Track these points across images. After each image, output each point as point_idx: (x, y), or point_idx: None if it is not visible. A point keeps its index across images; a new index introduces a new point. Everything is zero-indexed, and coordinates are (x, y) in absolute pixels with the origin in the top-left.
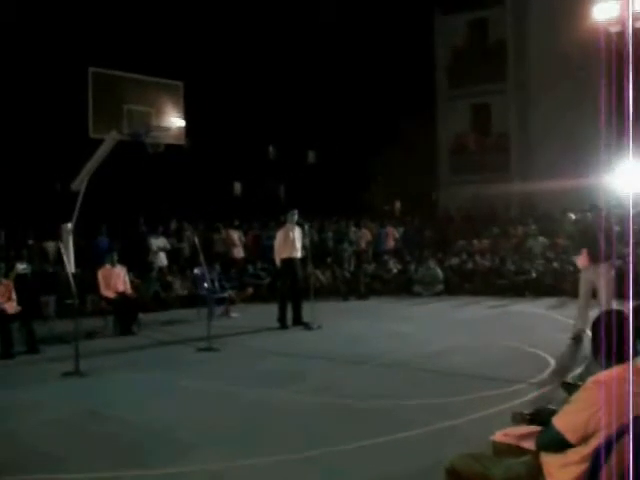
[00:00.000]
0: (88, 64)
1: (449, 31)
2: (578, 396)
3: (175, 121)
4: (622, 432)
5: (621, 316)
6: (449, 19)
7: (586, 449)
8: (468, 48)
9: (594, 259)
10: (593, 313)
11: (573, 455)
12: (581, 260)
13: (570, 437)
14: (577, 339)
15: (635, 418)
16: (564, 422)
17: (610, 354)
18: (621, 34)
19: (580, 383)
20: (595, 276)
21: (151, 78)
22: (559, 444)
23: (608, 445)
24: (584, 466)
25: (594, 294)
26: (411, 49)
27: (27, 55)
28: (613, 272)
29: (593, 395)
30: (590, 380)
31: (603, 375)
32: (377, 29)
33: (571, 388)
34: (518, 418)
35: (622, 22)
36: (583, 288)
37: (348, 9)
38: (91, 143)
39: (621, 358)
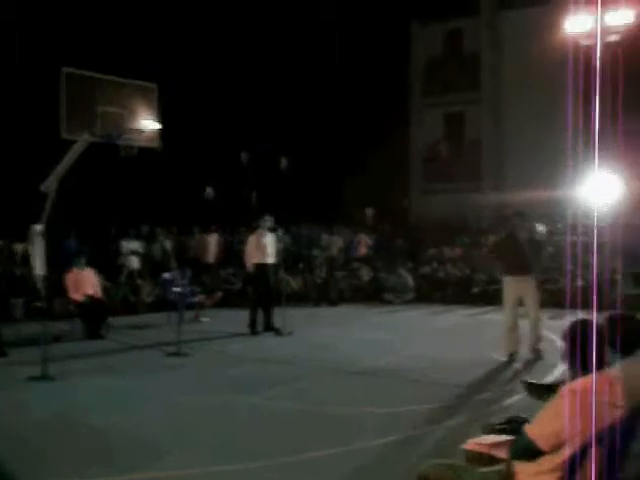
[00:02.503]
0: (61, 64)
1: (425, 41)
2: (552, 404)
3: (149, 124)
4: (595, 441)
5: (593, 325)
6: (426, 29)
7: (558, 458)
8: (443, 58)
9: (520, 271)
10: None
11: (546, 463)
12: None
13: (543, 445)
14: (511, 359)
15: (608, 427)
16: (537, 430)
17: (584, 363)
18: (592, 47)
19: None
20: (520, 289)
21: (125, 80)
22: (532, 452)
23: (581, 454)
24: (557, 475)
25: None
26: (387, 58)
27: None
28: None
29: (567, 404)
30: (564, 388)
31: (577, 384)
32: (353, 37)
33: (532, 388)
34: (488, 429)
35: (594, 36)
36: (509, 303)
37: (325, 17)
38: (63, 144)
39: (594, 367)
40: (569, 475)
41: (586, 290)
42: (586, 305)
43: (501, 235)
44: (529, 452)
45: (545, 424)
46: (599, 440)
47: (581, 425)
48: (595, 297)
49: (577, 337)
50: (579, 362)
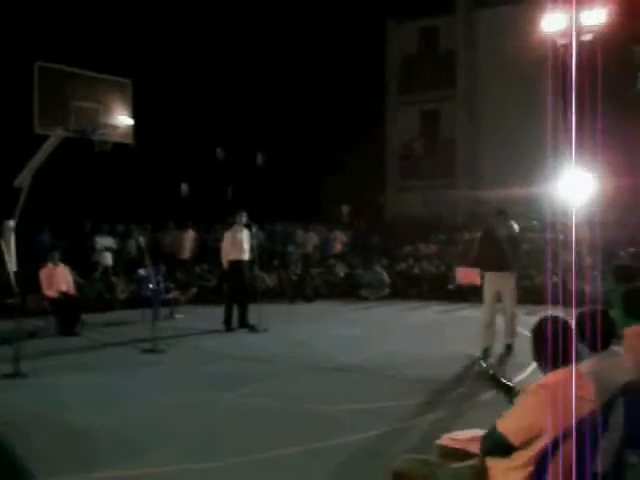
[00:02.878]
0: (35, 58)
1: (401, 39)
2: (522, 400)
3: (123, 119)
4: (566, 435)
5: (562, 321)
6: (401, 27)
7: (530, 452)
8: (419, 56)
9: (499, 267)
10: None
11: (518, 459)
12: (462, 276)
13: (513, 440)
14: (485, 354)
15: (579, 421)
16: (508, 426)
17: (554, 358)
18: (568, 46)
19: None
20: (499, 285)
21: (99, 75)
22: (503, 448)
23: (553, 448)
24: (529, 469)
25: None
26: (363, 55)
27: None
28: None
29: (538, 399)
30: (536, 384)
31: (548, 379)
32: (328, 34)
33: (495, 382)
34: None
35: (569, 34)
36: (488, 299)
37: (300, 13)
38: (36, 139)
39: (564, 362)
40: (540, 469)
41: (562, 286)
42: (562, 301)
43: (477, 232)
44: (500, 447)
45: (516, 419)
46: (570, 434)
47: (552, 419)
48: (573, 293)
49: (545, 333)
50: (548, 358)
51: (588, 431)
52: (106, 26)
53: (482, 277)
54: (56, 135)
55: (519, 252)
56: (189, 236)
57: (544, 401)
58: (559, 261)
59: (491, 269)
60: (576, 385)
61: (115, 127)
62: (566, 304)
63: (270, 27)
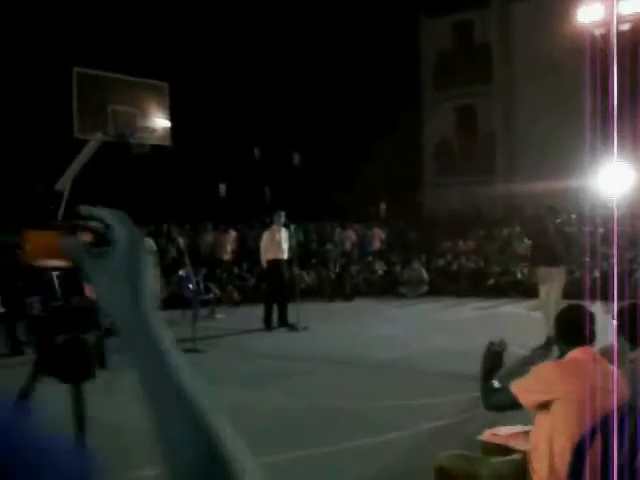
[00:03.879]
0: (73, 64)
1: (434, 34)
2: (538, 369)
3: (160, 122)
4: (593, 430)
5: (583, 307)
6: (434, 22)
7: (550, 417)
8: (453, 50)
9: (550, 263)
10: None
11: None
12: (540, 279)
13: (522, 401)
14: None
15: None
16: (520, 388)
17: (572, 338)
18: (605, 36)
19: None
20: (550, 279)
21: (136, 79)
22: (509, 406)
23: (590, 439)
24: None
25: None
26: (397, 52)
27: (10, 54)
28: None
29: (550, 371)
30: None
31: (567, 356)
32: (363, 32)
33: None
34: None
35: (606, 24)
36: (543, 293)
37: (333, 12)
38: (76, 144)
39: (582, 342)
40: (578, 460)
41: (603, 280)
42: (602, 296)
43: (516, 227)
44: (507, 405)
45: (528, 383)
46: (599, 427)
47: (568, 387)
48: (614, 288)
49: (566, 317)
50: (567, 337)
51: (616, 422)
52: (143, 30)
53: (534, 272)
54: (95, 139)
55: (571, 247)
56: (230, 237)
57: (557, 371)
58: (599, 255)
59: (543, 264)
60: (594, 364)
61: (153, 130)
62: (606, 298)
63: (308, 27)
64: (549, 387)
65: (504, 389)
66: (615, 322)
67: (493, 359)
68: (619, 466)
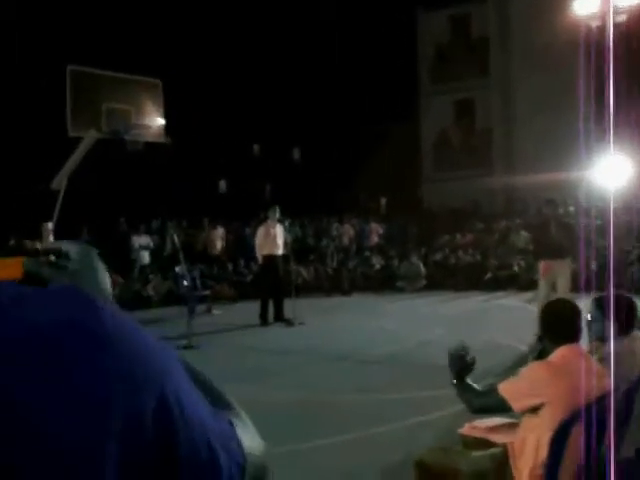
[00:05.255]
0: (66, 62)
1: (432, 27)
2: (527, 370)
3: (155, 119)
4: (574, 418)
5: (569, 302)
6: (432, 15)
7: (538, 419)
8: (451, 44)
9: (554, 256)
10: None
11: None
12: (542, 270)
13: (512, 404)
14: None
15: (588, 402)
16: (509, 390)
17: (559, 335)
18: (602, 28)
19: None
20: (555, 273)
21: (130, 76)
22: (500, 409)
23: (564, 432)
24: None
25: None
26: (394, 45)
27: (3, 52)
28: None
29: (540, 372)
30: (537, 361)
31: (553, 355)
32: (359, 26)
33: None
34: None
35: (603, 16)
36: (544, 287)
37: (332, 6)
38: (70, 142)
39: (569, 339)
40: (556, 453)
41: (600, 272)
42: (597, 287)
43: (516, 220)
44: (497, 408)
45: (517, 385)
46: (579, 417)
47: (557, 392)
48: (611, 279)
49: (552, 312)
50: (554, 335)
51: (598, 413)
52: (137, 25)
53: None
54: (89, 137)
55: (575, 238)
56: (218, 233)
57: (547, 374)
58: (595, 247)
59: (547, 257)
60: (583, 363)
61: (147, 127)
62: (603, 290)
63: (306, 21)
64: (539, 390)
65: (491, 392)
66: (589, 316)
67: (459, 363)
68: (600, 457)
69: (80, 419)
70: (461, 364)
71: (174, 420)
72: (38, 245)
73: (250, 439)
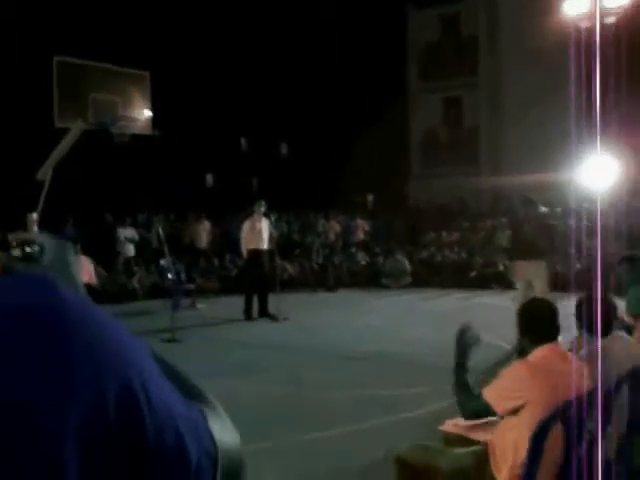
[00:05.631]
0: (53, 52)
1: (421, 25)
2: (507, 372)
3: (142, 111)
4: (553, 418)
5: (547, 301)
6: (422, 13)
7: (515, 420)
8: (440, 42)
9: (527, 257)
10: None
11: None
12: (518, 273)
13: (497, 408)
14: None
15: (568, 401)
16: (493, 394)
17: (538, 335)
18: (591, 29)
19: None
20: (530, 273)
21: (117, 67)
22: (486, 414)
23: (543, 431)
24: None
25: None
26: (383, 43)
27: None
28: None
29: (520, 372)
30: (518, 361)
31: (533, 355)
32: (349, 23)
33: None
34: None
35: (592, 17)
36: (522, 290)
37: (320, 3)
38: (56, 133)
39: (548, 339)
40: (535, 452)
41: (586, 273)
42: (585, 288)
43: (502, 219)
44: (484, 413)
45: (500, 389)
46: (559, 411)
47: (538, 392)
48: (598, 280)
49: (530, 311)
50: (533, 334)
51: (578, 413)
52: (124, 17)
53: (513, 267)
54: (76, 128)
55: (555, 240)
56: (205, 226)
57: (527, 374)
58: (583, 248)
59: (520, 257)
60: (562, 362)
61: (134, 119)
62: (584, 290)
63: (294, 17)
64: (519, 392)
65: (478, 397)
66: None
67: (461, 339)
68: (579, 457)
69: (38, 405)
70: (464, 340)
71: (139, 406)
72: (10, 237)
73: (225, 432)
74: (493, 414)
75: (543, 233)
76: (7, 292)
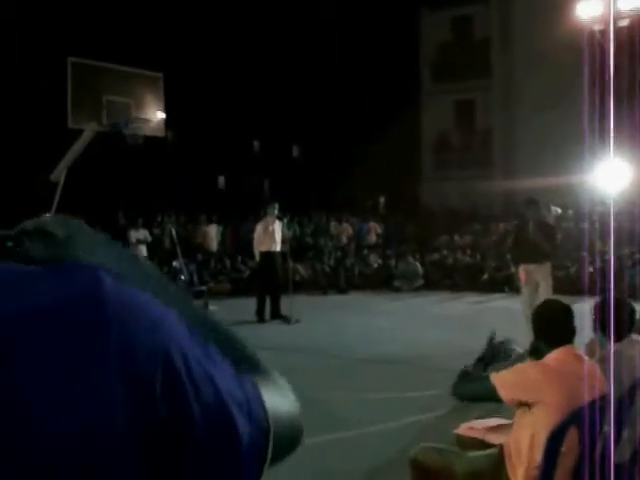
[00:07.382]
0: (67, 54)
1: (435, 28)
2: (521, 366)
3: (155, 113)
4: (569, 421)
5: (562, 304)
6: (435, 16)
7: (532, 417)
8: (453, 44)
9: (531, 260)
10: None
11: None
12: (522, 276)
13: (501, 393)
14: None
15: (582, 405)
16: (500, 380)
17: (553, 338)
18: (604, 32)
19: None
20: (534, 276)
21: (131, 69)
22: (489, 397)
23: (558, 435)
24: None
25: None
26: (396, 45)
27: (4, 44)
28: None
29: (533, 371)
30: (533, 361)
31: (548, 357)
32: (363, 25)
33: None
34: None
35: (605, 20)
36: (527, 295)
37: (334, 5)
38: (70, 134)
39: (563, 341)
40: (550, 458)
41: (599, 277)
42: (599, 292)
43: (513, 222)
44: (486, 396)
45: (509, 377)
46: (574, 420)
47: (551, 394)
48: (611, 284)
49: (545, 314)
50: (548, 337)
51: (593, 416)
52: (139, 19)
53: (517, 269)
54: (89, 129)
55: (555, 241)
56: (213, 229)
57: (542, 375)
58: (596, 251)
59: (524, 260)
60: (577, 365)
61: (147, 121)
62: (600, 294)
63: (308, 20)
64: (533, 391)
65: (482, 378)
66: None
67: (488, 345)
68: (593, 460)
69: (86, 398)
70: (490, 348)
71: (181, 381)
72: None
73: (279, 399)
74: (495, 399)
75: (545, 235)
76: (43, 285)
